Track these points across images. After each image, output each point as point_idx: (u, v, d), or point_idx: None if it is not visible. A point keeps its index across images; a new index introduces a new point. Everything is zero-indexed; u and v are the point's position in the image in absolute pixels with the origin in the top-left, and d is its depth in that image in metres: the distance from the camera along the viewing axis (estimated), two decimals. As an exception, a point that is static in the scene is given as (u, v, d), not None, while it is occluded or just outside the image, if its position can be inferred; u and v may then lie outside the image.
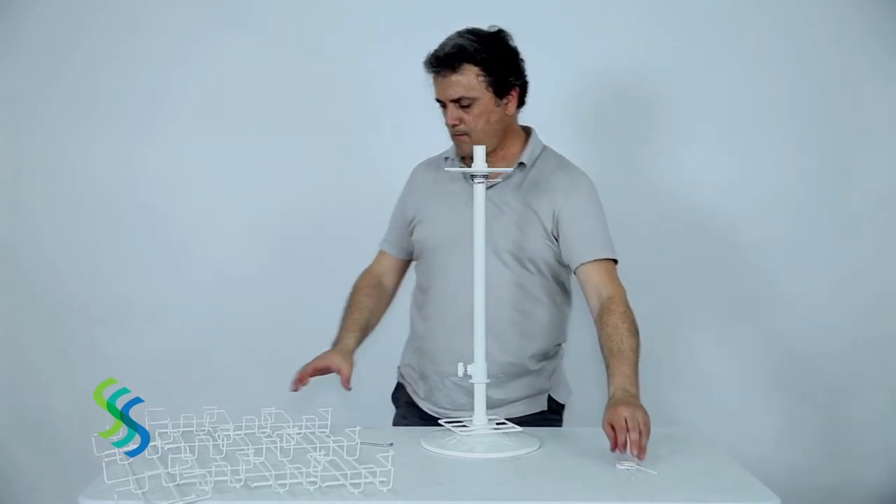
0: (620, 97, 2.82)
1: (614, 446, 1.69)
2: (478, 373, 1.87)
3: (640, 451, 1.66)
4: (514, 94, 2.06)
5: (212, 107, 2.84)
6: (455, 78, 2.00)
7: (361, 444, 1.81)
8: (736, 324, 2.86)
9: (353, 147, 2.83)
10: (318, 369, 2.02)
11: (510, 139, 2.11)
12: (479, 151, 1.84)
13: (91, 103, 2.85)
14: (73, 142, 2.86)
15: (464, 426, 1.88)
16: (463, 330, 1.94)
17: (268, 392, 2.49)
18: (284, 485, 1.51)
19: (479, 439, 1.83)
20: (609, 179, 2.76)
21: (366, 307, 2.19)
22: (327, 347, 2.14)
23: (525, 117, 2.16)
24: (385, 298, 2.28)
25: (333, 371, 2.02)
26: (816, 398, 2.86)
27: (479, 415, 1.88)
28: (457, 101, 2.01)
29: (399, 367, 2.29)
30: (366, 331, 2.18)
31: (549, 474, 1.66)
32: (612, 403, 1.77)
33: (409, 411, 2.21)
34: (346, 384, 2.01)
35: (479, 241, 1.86)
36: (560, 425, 2.17)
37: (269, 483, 1.52)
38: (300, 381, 2.01)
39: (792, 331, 2.85)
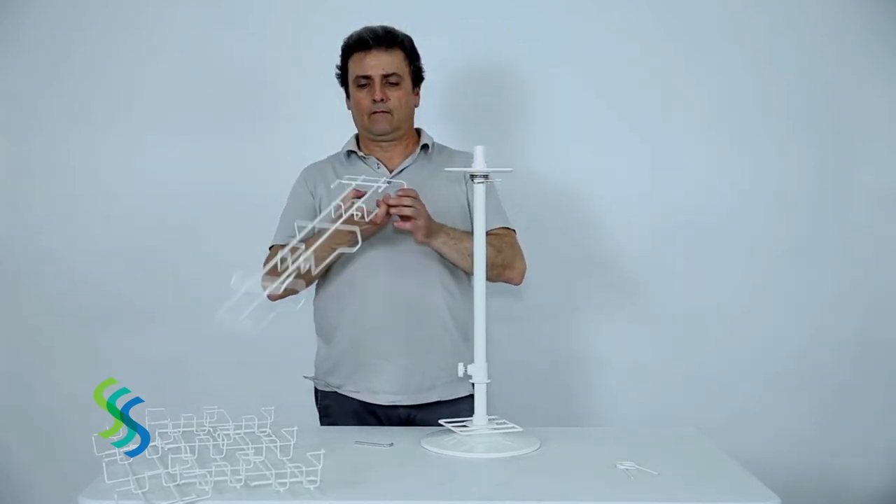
0: (623, 97, 2.83)
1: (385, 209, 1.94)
2: (478, 373, 1.87)
3: (385, 206, 1.92)
4: (419, 90, 2.23)
5: (212, 106, 2.84)
6: (389, 55, 2.14)
7: (362, 444, 1.82)
8: (736, 324, 2.86)
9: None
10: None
11: (410, 133, 2.25)
12: (479, 151, 1.85)
13: (91, 103, 2.85)
14: (73, 142, 2.86)
15: (464, 426, 1.89)
16: (387, 304, 2.11)
17: (267, 392, 2.50)
18: (285, 484, 1.51)
19: (479, 439, 1.83)
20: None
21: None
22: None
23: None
24: None
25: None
26: (816, 398, 2.86)
27: (479, 415, 1.88)
28: (387, 76, 2.13)
29: (312, 378, 2.27)
30: None
31: (549, 474, 1.66)
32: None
33: (338, 406, 2.19)
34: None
35: (479, 239, 1.87)
36: None
37: (270, 482, 1.52)
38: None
39: (792, 331, 2.85)
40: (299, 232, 1.80)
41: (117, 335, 2.86)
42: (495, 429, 1.87)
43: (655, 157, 2.83)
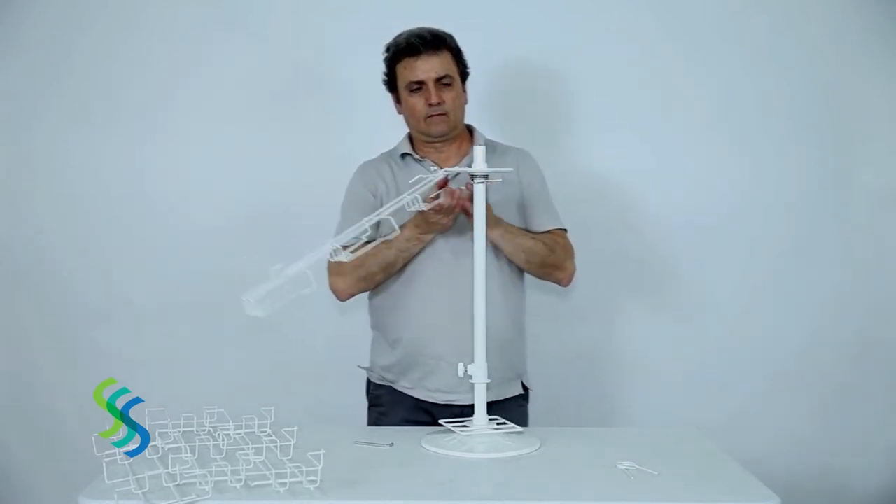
0: (623, 97, 2.83)
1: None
2: (478, 373, 1.87)
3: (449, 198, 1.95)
4: (465, 86, 2.24)
5: (212, 106, 2.84)
6: (439, 57, 2.16)
7: (362, 444, 1.82)
8: (736, 324, 2.86)
9: (357, 146, 2.81)
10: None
11: (463, 131, 2.27)
12: (479, 151, 1.86)
13: (91, 103, 2.85)
14: (73, 142, 2.85)
15: (464, 426, 1.89)
16: (444, 304, 2.11)
17: (268, 392, 2.50)
18: (285, 484, 1.51)
19: (479, 439, 1.83)
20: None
21: None
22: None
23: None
24: None
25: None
26: (816, 398, 2.86)
27: (480, 415, 1.88)
28: (440, 79, 2.15)
29: (367, 369, 2.29)
30: None
31: (549, 474, 1.66)
32: None
33: (392, 398, 2.22)
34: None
35: (479, 239, 1.87)
36: (527, 413, 2.23)
37: (270, 482, 1.52)
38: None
39: (792, 331, 2.85)
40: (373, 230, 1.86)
41: (117, 335, 2.86)
42: (495, 429, 1.87)
43: (655, 157, 2.83)
